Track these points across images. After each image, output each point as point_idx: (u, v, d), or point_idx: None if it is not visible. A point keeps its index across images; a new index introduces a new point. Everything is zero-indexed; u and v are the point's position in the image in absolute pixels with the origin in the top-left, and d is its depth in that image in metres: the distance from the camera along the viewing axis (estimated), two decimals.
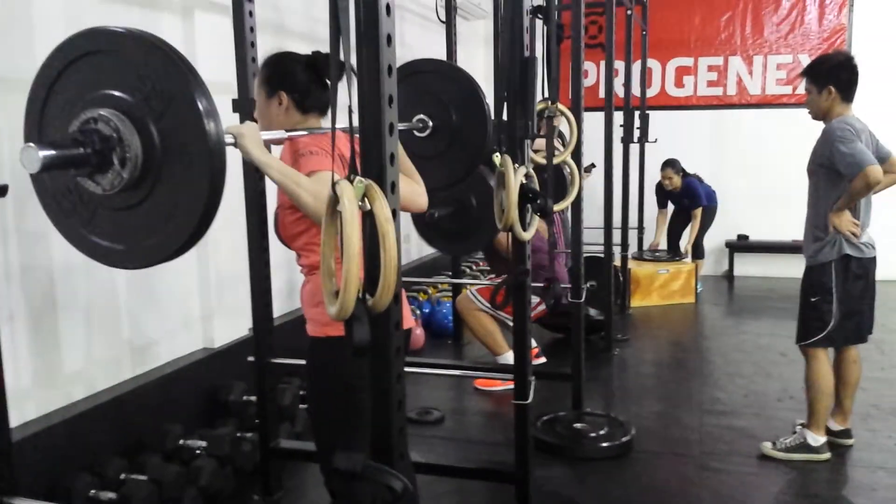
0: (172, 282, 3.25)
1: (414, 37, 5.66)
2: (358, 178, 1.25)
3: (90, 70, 1.41)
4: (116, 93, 1.37)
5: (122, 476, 2.60)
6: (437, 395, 4.12)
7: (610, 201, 4.67)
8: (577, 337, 3.67)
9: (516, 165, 2.32)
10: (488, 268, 4.58)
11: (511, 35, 2.31)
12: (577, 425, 3.55)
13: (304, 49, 2.08)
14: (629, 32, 5.81)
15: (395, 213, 1.33)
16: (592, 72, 7.29)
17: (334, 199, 1.23)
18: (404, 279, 5.12)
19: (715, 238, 7.20)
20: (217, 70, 2.86)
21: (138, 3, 3.02)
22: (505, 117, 2.34)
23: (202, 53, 3.21)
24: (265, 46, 3.15)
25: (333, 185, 1.24)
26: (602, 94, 4.79)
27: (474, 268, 6.11)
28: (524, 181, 2.33)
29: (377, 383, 1.38)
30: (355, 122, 1.31)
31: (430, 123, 2.53)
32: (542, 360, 4.52)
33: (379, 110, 1.31)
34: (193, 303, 3.40)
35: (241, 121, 2.56)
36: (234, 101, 2.66)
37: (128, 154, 1.34)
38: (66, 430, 2.58)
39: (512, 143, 2.37)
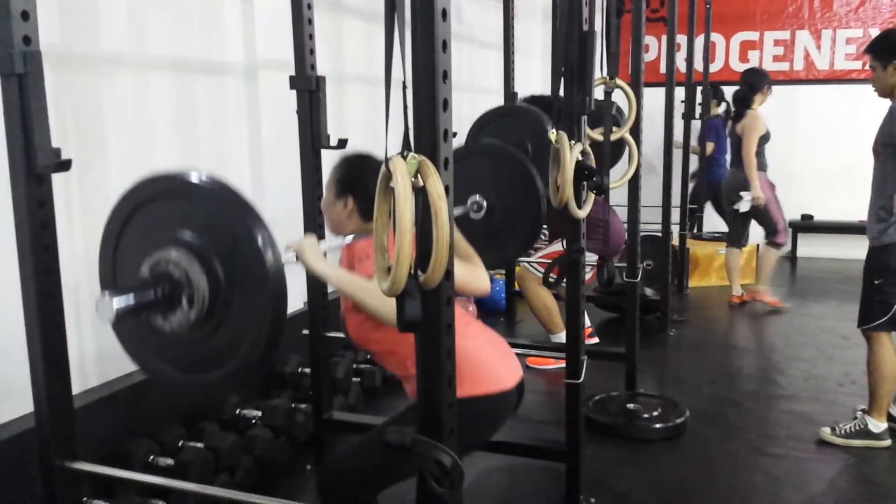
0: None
1: (472, 13, 5.61)
2: (411, 153, 1.24)
3: (159, 212, 1.50)
4: (184, 234, 1.44)
5: (181, 443, 2.68)
6: None
7: (669, 179, 4.58)
8: (631, 317, 3.63)
9: (572, 142, 2.29)
10: (546, 232, 4.50)
11: (569, 9, 2.27)
12: (630, 406, 3.52)
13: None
14: (692, 6, 5.66)
15: (447, 190, 1.32)
16: (654, 46, 7.13)
17: (387, 175, 1.23)
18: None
19: None
20: (276, 47, 2.90)
21: None
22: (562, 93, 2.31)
23: (261, 30, 3.25)
24: (322, 23, 3.17)
25: (387, 160, 1.24)
26: (664, 69, 4.68)
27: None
28: (580, 158, 2.30)
29: (427, 359, 1.39)
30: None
31: (485, 204, 2.53)
32: (595, 340, 4.49)
33: (433, 86, 1.31)
34: None
35: (299, 98, 2.58)
36: (291, 77, 2.67)
37: (195, 294, 1.42)
38: (127, 397, 2.66)
39: (569, 120, 2.34)
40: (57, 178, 1.76)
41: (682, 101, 5.65)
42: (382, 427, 2.13)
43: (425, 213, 1.24)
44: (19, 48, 1.57)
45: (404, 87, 1.28)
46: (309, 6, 2.64)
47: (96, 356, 2.67)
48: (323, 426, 2.92)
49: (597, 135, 2.93)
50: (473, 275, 2.10)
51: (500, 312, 5.18)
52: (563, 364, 2.65)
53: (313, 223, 2.70)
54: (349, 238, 2.02)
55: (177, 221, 1.45)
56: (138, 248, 1.49)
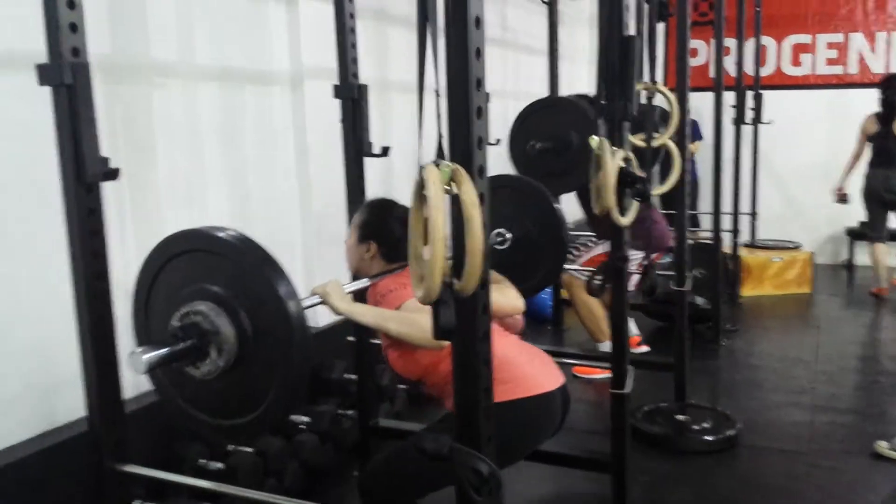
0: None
1: (517, 19, 5.60)
2: (444, 162, 1.25)
3: (189, 265, 1.57)
4: (212, 287, 1.51)
5: (230, 447, 2.72)
6: None
7: (718, 185, 4.50)
8: (680, 326, 3.56)
9: (614, 149, 2.26)
10: (594, 234, 4.47)
11: (609, 14, 2.25)
12: (680, 417, 3.45)
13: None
14: (741, 9, 5.55)
15: (481, 198, 1.32)
16: (703, 50, 7.01)
17: (421, 184, 1.24)
18: None
19: (834, 224, 6.82)
20: (320, 55, 2.93)
21: None
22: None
23: (306, 39, 3.29)
24: (367, 32, 3.20)
25: (420, 168, 1.24)
26: (713, 73, 4.61)
27: (574, 253, 6.02)
28: (623, 165, 2.27)
29: (463, 367, 1.38)
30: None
31: (509, 236, 2.56)
32: (645, 348, 4.42)
33: (466, 93, 1.31)
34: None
35: (342, 106, 2.61)
36: (335, 86, 2.70)
37: (224, 346, 1.48)
38: None
39: (610, 126, 2.31)
40: (109, 187, 1.81)
41: (733, 107, 5.55)
42: (420, 434, 2.14)
43: (459, 221, 1.24)
44: (68, 59, 1.62)
45: (437, 95, 1.29)
46: (351, 16, 2.67)
47: None
48: (369, 433, 2.93)
49: (638, 141, 2.89)
50: (505, 295, 2.19)
51: (546, 320, 5.14)
52: (609, 374, 2.62)
53: None
54: (368, 281, 2.08)
55: (206, 274, 1.52)
56: (169, 299, 1.56)
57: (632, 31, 2.34)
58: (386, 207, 2.18)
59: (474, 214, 1.22)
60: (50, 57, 1.63)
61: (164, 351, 1.48)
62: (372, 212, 2.19)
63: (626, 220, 2.34)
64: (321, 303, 1.86)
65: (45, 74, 1.63)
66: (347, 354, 3.22)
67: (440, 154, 1.28)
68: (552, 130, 3.28)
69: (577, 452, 2.88)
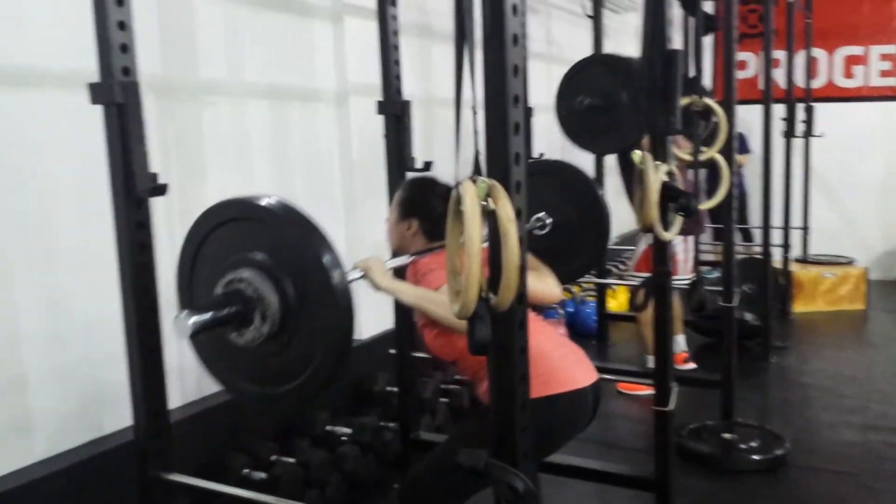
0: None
1: (561, 34, 5.60)
2: (481, 177, 1.25)
3: (233, 234, 1.57)
4: (256, 254, 1.51)
5: (273, 458, 2.75)
6: None
7: (767, 199, 4.42)
8: (728, 342, 3.49)
9: (657, 163, 2.25)
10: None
11: (653, 27, 2.24)
12: (726, 435, 3.38)
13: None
14: (790, 20, 5.46)
15: (519, 213, 1.32)
16: (753, 63, 6.90)
17: (457, 199, 1.24)
18: None
19: (889, 240, 6.64)
20: (365, 72, 2.97)
21: (293, 10, 3.18)
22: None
23: (351, 57, 3.34)
24: (412, 49, 3.24)
25: (457, 185, 1.25)
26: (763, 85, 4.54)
27: (621, 267, 5.97)
28: (666, 179, 2.25)
29: (500, 382, 1.38)
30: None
31: (549, 221, 2.53)
32: (692, 365, 4.35)
33: (504, 109, 1.31)
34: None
35: (386, 122, 2.64)
36: (379, 102, 2.74)
37: (267, 311, 1.48)
38: (223, 412, 2.76)
39: (654, 140, 2.30)
40: (161, 202, 1.86)
41: (783, 119, 5.45)
42: (456, 440, 2.14)
43: (496, 236, 1.25)
44: (119, 79, 1.67)
45: (474, 112, 1.30)
46: (395, 33, 2.70)
47: (196, 371, 2.78)
48: (410, 446, 2.94)
49: (685, 154, 2.86)
50: (543, 281, 2.15)
51: (591, 335, 5.10)
52: (635, 391, 2.58)
53: None
54: (410, 258, 2.08)
55: (249, 243, 1.52)
56: (213, 268, 1.57)
57: (676, 44, 2.32)
58: (427, 185, 2.19)
59: (510, 230, 1.22)
60: (101, 76, 1.68)
61: (208, 315, 1.48)
62: (413, 189, 2.19)
63: (668, 235, 2.31)
64: (362, 276, 1.86)
65: (97, 93, 1.69)
66: (390, 367, 3.24)
67: (477, 170, 1.29)
68: (601, 87, 3.19)
69: (621, 470, 2.84)
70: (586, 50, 4.64)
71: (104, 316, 2.15)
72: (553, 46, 5.50)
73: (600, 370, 3.88)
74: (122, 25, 1.68)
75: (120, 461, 2.25)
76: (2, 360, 2.14)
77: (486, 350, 1.28)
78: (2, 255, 2.13)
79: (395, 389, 3.27)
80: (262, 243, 1.51)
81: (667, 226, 2.31)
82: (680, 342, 4.25)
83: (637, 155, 2.23)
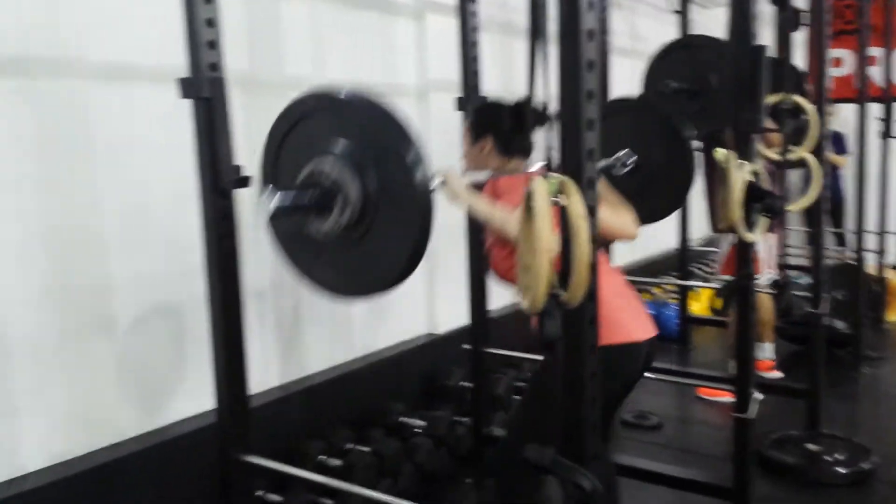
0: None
1: (648, 29, 5.49)
2: (552, 173, 1.25)
3: (317, 125, 1.61)
4: (339, 145, 1.55)
5: (348, 446, 2.81)
6: (656, 400, 3.99)
7: (861, 203, 4.23)
8: (816, 351, 3.37)
9: (742, 162, 2.18)
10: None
11: (738, 23, 2.18)
12: (811, 446, 3.26)
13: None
14: (889, 16, 5.18)
15: (592, 210, 1.31)
16: (849, 60, 6.58)
17: (529, 195, 1.25)
18: (629, 278, 4.99)
19: None
20: (446, 68, 2.99)
21: (376, 7, 3.23)
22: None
23: (433, 53, 3.37)
24: (493, 44, 3.24)
25: (528, 180, 1.25)
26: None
27: (705, 269, 5.82)
28: (751, 179, 2.19)
29: (569, 379, 1.38)
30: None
31: (632, 160, 2.48)
32: (778, 374, 4.20)
33: (577, 106, 1.31)
34: (420, 290, 3.58)
35: (465, 118, 2.66)
36: (458, 99, 2.75)
37: (347, 200, 1.52)
38: (301, 399, 2.83)
39: (738, 138, 2.24)
40: (247, 194, 1.93)
41: (882, 119, 5.19)
42: (529, 408, 2.13)
43: (567, 232, 1.24)
44: (206, 74, 1.74)
45: (545, 108, 1.30)
46: (474, 30, 2.71)
47: (277, 359, 2.88)
48: (482, 441, 2.95)
49: (773, 154, 2.77)
50: (620, 218, 2.11)
51: (672, 339, 4.99)
52: (717, 397, 2.50)
53: (477, 237, 2.76)
54: (490, 175, 2.09)
55: (334, 135, 1.55)
56: (298, 156, 1.62)
57: (764, 40, 2.25)
58: (492, 104, 2.23)
59: (581, 226, 1.21)
60: (190, 71, 1.75)
61: (291, 197, 1.53)
62: (479, 112, 2.24)
63: (752, 237, 2.24)
64: (442, 184, 1.87)
65: (186, 88, 1.76)
66: (464, 362, 3.26)
67: (549, 166, 1.29)
68: (689, 71, 3.13)
69: (699, 477, 2.78)
70: None
71: (193, 294, 2.23)
72: (638, 41, 5.40)
73: (679, 374, 3.86)
74: (211, 22, 1.75)
75: (200, 444, 2.34)
76: (97, 338, 2.26)
77: (555, 346, 1.27)
78: (100, 238, 2.24)
79: (469, 385, 3.29)
80: (347, 135, 1.54)
81: (750, 226, 2.24)
82: (767, 349, 4.11)
83: (720, 153, 2.18)
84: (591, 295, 1.33)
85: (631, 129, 2.54)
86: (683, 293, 4.90)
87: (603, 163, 2.43)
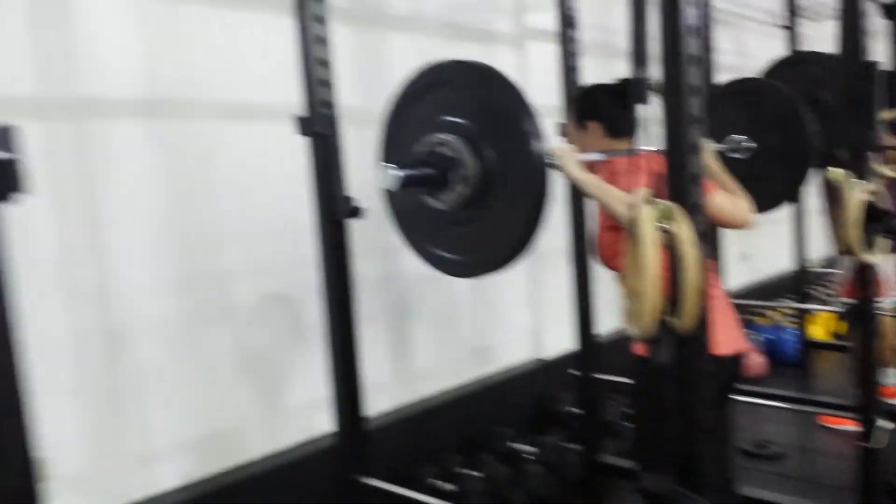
0: (509, 293, 3.49)
1: (755, 44, 5.35)
2: (660, 200, 1.26)
3: (434, 99, 1.65)
4: (456, 119, 1.58)
5: (459, 470, 2.84)
6: (776, 429, 3.83)
7: None
8: None
9: (857, 181, 2.11)
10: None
11: (849, 38, 2.12)
12: None
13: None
14: None
15: (702, 236, 1.31)
16: None
17: (634, 221, 1.26)
18: (743, 301, 4.84)
19: None
20: (546, 94, 3.02)
21: (478, 38, 3.31)
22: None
23: (534, 80, 3.40)
24: (594, 67, 3.25)
25: (635, 207, 1.27)
26: None
27: (825, 292, 5.56)
28: (868, 198, 2.11)
29: (684, 407, 1.37)
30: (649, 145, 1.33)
31: (750, 145, 2.42)
32: None
33: (683, 131, 1.32)
34: (527, 315, 3.60)
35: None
36: (558, 124, 2.77)
37: (466, 174, 1.54)
38: (413, 422, 2.90)
39: (853, 156, 2.16)
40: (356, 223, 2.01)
41: None
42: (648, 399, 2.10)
43: (675, 259, 1.25)
44: (320, 112, 1.84)
45: (646, 84, 1.31)
46: (573, 55, 2.73)
47: (389, 382, 2.96)
48: (593, 468, 2.92)
49: (891, 171, 2.64)
50: (735, 204, 2.02)
51: (792, 364, 4.79)
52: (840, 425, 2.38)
53: (582, 262, 2.76)
54: (602, 155, 2.03)
55: (455, 107, 1.58)
56: (417, 131, 1.65)
57: (877, 55, 2.18)
58: (593, 88, 2.18)
59: (690, 252, 1.22)
60: (305, 109, 1.86)
61: (411, 171, 1.56)
62: (584, 96, 2.20)
63: (871, 259, 2.16)
64: (555, 163, 1.80)
65: (302, 125, 1.87)
66: (572, 387, 3.25)
67: (655, 193, 1.30)
68: (799, 89, 2.96)
69: None
70: None
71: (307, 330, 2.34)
72: (746, 58, 5.28)
73: (801, 402, 3.69)
74: (323, 63, 1.85)
75: (320, 465, 2.43)
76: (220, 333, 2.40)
77: (667, 373, 1.28)
78: (224, 259, 2.39)
79: (578, 411, 3.27)
80: (464, 108, 1.56)
81: (870, 248, 2.16)
82: (893, 376, 3.89)
83: (834, 172, 2.11)
84: (703, 322, 1.33)
85: (752, 112, 2.48)
86: (801, 316, 4.70)
87: (719, 146, 2.37)
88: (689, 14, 1.30)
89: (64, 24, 2.01)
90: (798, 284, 4.74)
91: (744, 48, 5.25)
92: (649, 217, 1.22)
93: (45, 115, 2.00)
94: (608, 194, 1.81)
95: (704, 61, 1.35)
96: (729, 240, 4.16)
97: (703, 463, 1.34)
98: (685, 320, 1.24)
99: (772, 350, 4.92)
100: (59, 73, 2.01)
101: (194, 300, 2.31)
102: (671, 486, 1.35)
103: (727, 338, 2.00)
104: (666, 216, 1.24)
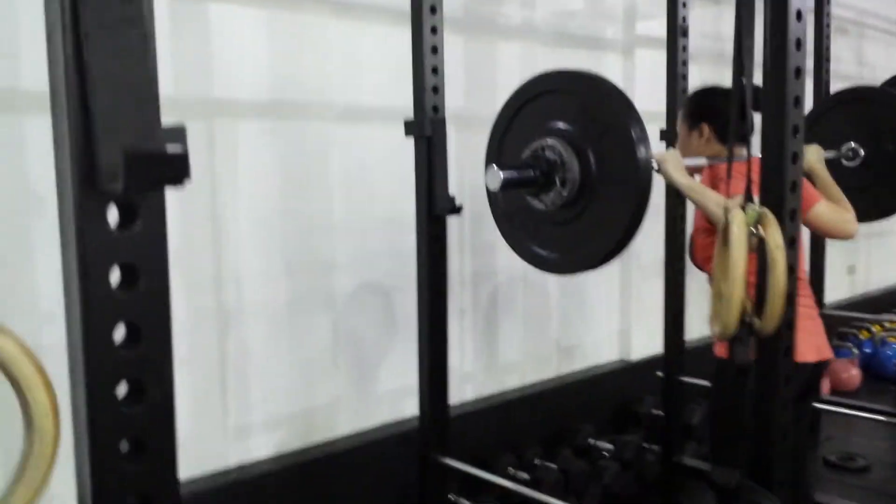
0: (599, 294, 3.52)
1: (876, 55, 5.17)
2: (751, 205, 1.30)
3: (542, 106, 1.74)
4: (561, 124, 1.66)
5: (536, 461, 2.91)
6: (867, 443, 3.73)
7: None
8: None
9: None
10: None
11: None
12: None
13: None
14: None
15: (791, 241, 1.34)
16: None
17: (726, 225, 1.31)
18: (845, 313, 4.69)
19: None
20: (652, 100, 3.04)
21: (585, 45, 3.34)
22: None
23: (640, 86, 3.41)
24: (703, 75, 3.24)
25: (726, 211, 1.31)
26: None
27: None
28: None
29: (761, 407, 1.41)
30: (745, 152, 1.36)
31: (861, 153, 2.38)
32: None
33: (782, 139, 1.35)
34: (615, 316, 3.63)
35: (667, 149, 2.69)
36: (661, 130, 2.79)
37: (568, 176, 1.62)
38: (495, 413, 2.98)
39: None
40: (454, 221, 2.10)
41: None
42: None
43: (764, 263, 1.29)
44: (430, 116, 1.94)
45: (746, 143, 1.35)
46: (684, 63, 2.75)
47: (472, 373, 3.05)
48: (671, 468, 2.94)
49: None
50: (841, 217, 2.04)
51: (889, 378, 4.63)
52: None
53: (674, 267, 2.77)
54: (705, 160, 2.05)
55: (561, 113, 1.66)
56: (523, 136, 1.74)
57: None
58: (709, 90, 2.18)
59: (778, 258, 1.26)
60: (416, 114, 1.96)
61: (515, 172, 1.65)
62: (694, 99, 2.20)
63: None
64: (658, 168, 1.86)
65: (411, 128, 1.98)
66: (657, 390, 3.26)
67: (748, 197, 1.34)
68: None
69: None
70: None
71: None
72: (865, 69, 5.11)
73: (891, 415, 3.57)
74: (435, 70, 1.95)
75: (403, 447, 2.53)
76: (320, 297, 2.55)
77: (746, 372, 1.31)
78: (330, 250, 2.52)
79: (660, 412, 3.28)
80: (569, 114, 1.64)
81: None
82: None
83: None
84: (789, 324, 1.36)
85: (864, 120, 2.45)
86: None
87: (829, 154, 2.35)
88: (794, 27, 1.33)
89: (201, 32, 2.17)
90: None
91: (864, 58, 5.09)
92: (740, 221, 1.26)
93: (179, 114, 2.16)
94: (706, 197, 1.84)
95: (823, 70, 1.36)
96: (835, 251, 4.08)
97: (774, 461, 1.37)
98: (768, 323, 1.28)
99: (869, 364, 4.76)
100: (194, 76, 2.17)
101: (299, 287, 2.44)
102: (738, 478, 1.39)
103: (810, 345, 1.99)
104: (757, 221, 1.28)
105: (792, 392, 1.38)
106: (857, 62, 5.10)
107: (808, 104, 2.85)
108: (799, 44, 1.34)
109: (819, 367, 2.04)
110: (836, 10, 4.69)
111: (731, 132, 1.51)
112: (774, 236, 1.26)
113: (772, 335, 1.31)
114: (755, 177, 1.37)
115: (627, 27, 3.47)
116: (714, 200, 1.81)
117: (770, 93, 1.36)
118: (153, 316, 0.74)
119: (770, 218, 1.28)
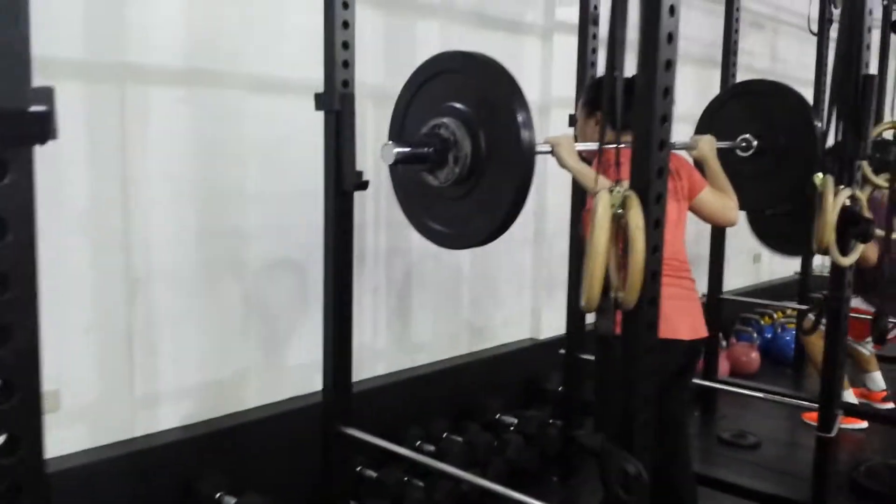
0: (512, 274, 3.62)
1: (788, 50, 5.40)
2: (618, 188, 1.40)
3: (441, 85, 1.81)
4: (457, 104, 1.74)
5: (444, 435, 3.00)
6: (760, 421, 3.96)
7: None
8: None
9: (840, 187, 2.22)
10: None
11: (847, 51, 2.22)
12: None
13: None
14: None
15: (656, 223, 1.45)
16: None
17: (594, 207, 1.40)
18: (748, 299, 4.94)
19: None
20: (568, 86, 3.14)
21: (506, 29, 3.42)
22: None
23: (557, 71, 3.51)
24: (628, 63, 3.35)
25: (594, 194, 1.41)
26: None
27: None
28: (848, 204, 2.23)
29: (625, 376, 1.51)
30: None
31: (755, 143, 2.53)
32: (890, 405, 4.06)
33: (650, 128, 1.44)
34: (527, 295, 3.74)
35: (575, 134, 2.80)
36: (570, 115, 2.89)
37: (460, 154, 1.70)
38: (406, 388, 3.05)
39: (841, 164, 2.27)
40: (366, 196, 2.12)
41: None
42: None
43: (627, 242, 1.39)
44: (339, 90, 1.99)
45: (614, 126, 1.44)
46: (593, 50, 2.85)
47: (384, 349, 3.11)
48: (571, 444, 3.07)
49: (882, 181, 2.74)
50: (723, 204, 2.21)
51: (787, 363, 4.90)
52: (848, 424, 2.49)
53: (577, 252, 2.88)
54: (595, 145, 2.11)
55: (456, 94, 1.75)
56: (423, 113, 1.82)
57: (872, 69, 2.28)
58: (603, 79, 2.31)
59: (637, 237, 1.36)
60: (326, 88, 2.00)
61: (409, 148, 1.73)
62: (593, 88, 2.32)
63: (846, 261, 2.27)
64: (550, 151, 1.95)
65: (320, 101, 2.02)
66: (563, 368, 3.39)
67: (616, 181, 1.44)
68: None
69: (780, 492, 2.79)
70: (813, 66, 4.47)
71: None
72: (778, 63, 5.33)
73: (793, 397, 3.80)
74: (346, 45, 1.99)
75: (306, 421, 2.55)
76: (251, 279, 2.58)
77: (609, 342, 1.42)
78: (241, 218, 2.55)
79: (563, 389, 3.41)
80: (464, 95, 1.72)
81: (845, 251, 2.27)
82: (877, 380, 4.00)
83: (818, 178, 2.23)
84: (652, 300, 1.46)
85: (759, 112, 2.60)
86: (801, 318, 4.79)
87: (724, 144, 2.49)
88: (667, 21, 1.42)
89: None
90: (801, 287, 4.83)
91: (777, 54, 5.32)
92: (605, 202, 1.36)
93: (91, 77, 2.15)
94: (588, 180, 1.94)
95: (730, 63, 1.46)
96: (743, 240, 4.28)
97: (634, 428, 1.48)
98: (628, 297, 1.38)
99: (769, 349, 5.03)
100: (106, 40, 2.16)
101: (210, 256, 2.46)
102: (602, 442, 1.48)
103: (684, 324, 2.13)
104: (622, 203, 1.38)
105: (653, 364, 1.49)
106: (771, 57, 5.32)
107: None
108: (671, 37, 1.44)
109: (695, 345, 2.18)
110: (754, 5, 4.90)
111: (605, 120, 1.61)
112: (636, 218, 1.36)
113: (634, 310, 1.42)
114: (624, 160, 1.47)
115: (547, 12, 3.56)
116: (592, 182, 1.92)
117: (641, 84, 1.45)
118: (20, 265, 0.79)
119: (634, 200, 1.37)
